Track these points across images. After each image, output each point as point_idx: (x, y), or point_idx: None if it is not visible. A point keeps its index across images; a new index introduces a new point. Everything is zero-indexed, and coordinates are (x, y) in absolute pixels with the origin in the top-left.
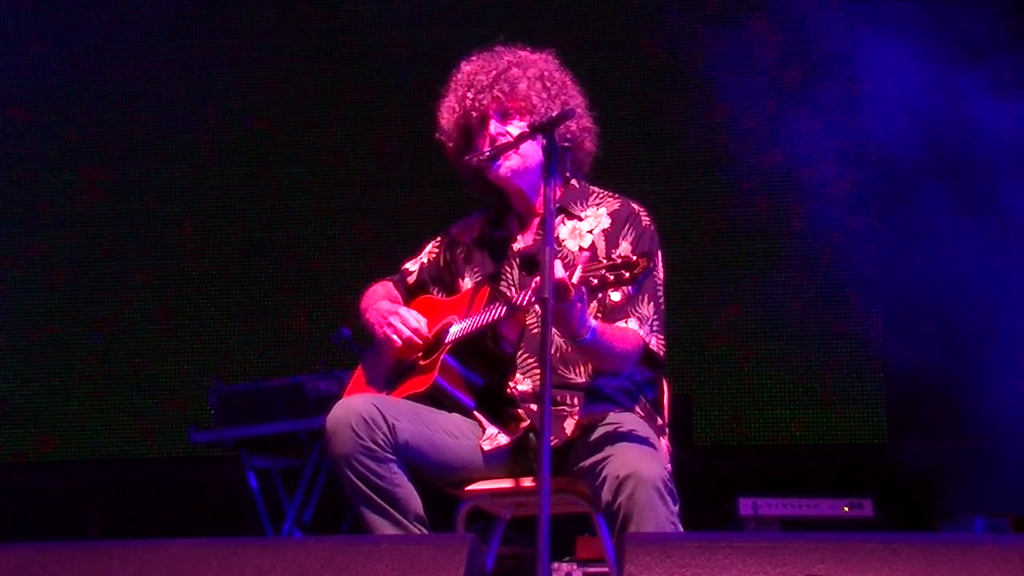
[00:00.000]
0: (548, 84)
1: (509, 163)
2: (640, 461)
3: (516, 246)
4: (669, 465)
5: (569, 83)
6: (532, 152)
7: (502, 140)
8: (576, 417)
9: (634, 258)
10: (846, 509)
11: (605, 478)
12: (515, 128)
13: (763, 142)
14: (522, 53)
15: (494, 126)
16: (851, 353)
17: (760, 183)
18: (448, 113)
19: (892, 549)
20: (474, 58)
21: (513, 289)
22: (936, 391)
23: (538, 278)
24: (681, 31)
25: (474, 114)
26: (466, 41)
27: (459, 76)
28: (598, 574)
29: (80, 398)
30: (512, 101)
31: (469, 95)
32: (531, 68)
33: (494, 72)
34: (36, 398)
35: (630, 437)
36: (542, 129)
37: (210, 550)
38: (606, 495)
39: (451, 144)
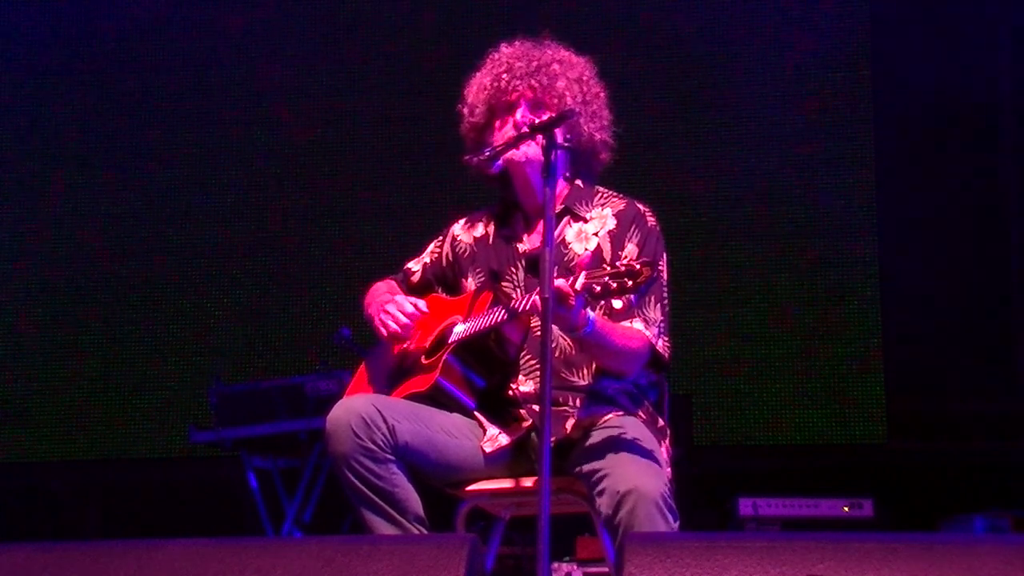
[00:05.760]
0: (584, 90)
1: (528, 148)
2: (640, 476)
3: (521, 247)
4: (669, 471)
5: (602, 95)
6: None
7: (525, 130)
8: (576, 417)
9: (637, 266)
10: (846, 509)
11: (604, 491)
12: None
13: (764, 143)
14: (565, 53)
15: (521, 113)
16: (851, 353)
17: (761, 183)
18: (478, 89)
19: (892, 549)
20: (517, 43)
21: (519, 290)
22: (936, 391)
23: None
24: (684, 32)
25: (505, 97)
26: (468, 42)
27: (497, 56)
28: (598, 574)
29: (80, 398)
30: (548, 95)
31: (505, 76)
32: (573, 70)
33: (536, 62)
34: (36, 398)
35: (632, 447)
36: (542, 129)
37: (210, 550)
38: (606, 509)
39: (472, 119)
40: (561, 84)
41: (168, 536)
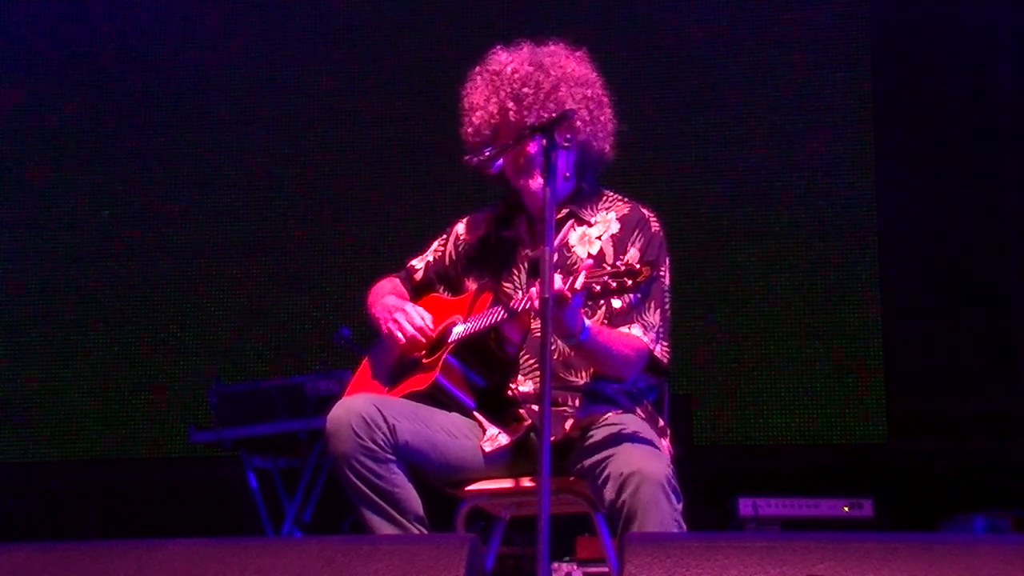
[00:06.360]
0: (592, 107)
1: (539, 182)
2: (644, 459)
3: (524, 249)
4: (672, 465)
5: (605, 100)
6: (562, 167)
7: (539, 159)
8: (576, 417)
9: (638, 266)
10: (846, 509)
11: (608, 476)
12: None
13: (764, 143)
14: (570, 63)
15: (534, 146)
16: (851, 353)
17: (761, 184)
18: (485, 114)
19: (892, 549)
20: (516, 55)
21: (520, 292)
22: (936, 391)
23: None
24: (684, 32)
25: (514, 129)
26: (468, 42)
27: (500, 71)
28: (598, 574)
29: (80, 398)
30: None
31: (511, 106)
32: (579, 88)
33: (543, 91)
34: (36, 398)
35: (633, 437)
36: (541, 129)
37: (210, 550)
38: (609, 493)
39: (477, 139)
40: (570, 106)
41: (168, 536)
